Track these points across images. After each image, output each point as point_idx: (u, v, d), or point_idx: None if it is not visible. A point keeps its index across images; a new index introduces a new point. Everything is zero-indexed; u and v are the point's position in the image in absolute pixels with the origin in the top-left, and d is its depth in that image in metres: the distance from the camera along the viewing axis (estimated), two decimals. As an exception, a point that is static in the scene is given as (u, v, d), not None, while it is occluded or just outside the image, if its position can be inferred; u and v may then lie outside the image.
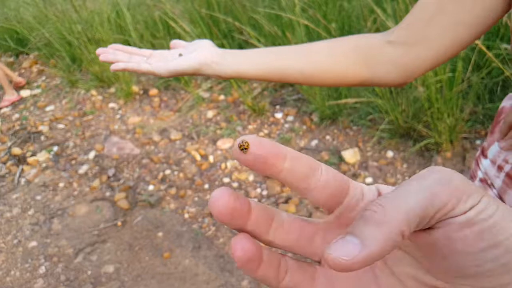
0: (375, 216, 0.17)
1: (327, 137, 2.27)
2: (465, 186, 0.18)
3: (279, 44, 2.62)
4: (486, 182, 0.63)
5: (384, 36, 0.61)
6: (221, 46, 2.73)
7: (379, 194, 0.22)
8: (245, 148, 0.19)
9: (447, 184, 0.18)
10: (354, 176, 2.01)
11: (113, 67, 0.64)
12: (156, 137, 2.44)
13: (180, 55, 0.66)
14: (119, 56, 0.66)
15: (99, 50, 0.67)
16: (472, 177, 0.68)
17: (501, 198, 0.59)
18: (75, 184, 2.20)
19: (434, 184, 0.18)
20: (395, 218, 0.17)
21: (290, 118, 2.45)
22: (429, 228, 0.19)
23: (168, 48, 3.08)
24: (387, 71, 0.60)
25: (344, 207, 0.22)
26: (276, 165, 0.19)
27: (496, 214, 0.18)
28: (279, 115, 2.47)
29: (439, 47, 0.56)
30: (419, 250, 0.20)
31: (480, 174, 0.66)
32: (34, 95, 3.11)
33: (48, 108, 2.91)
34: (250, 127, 2.43)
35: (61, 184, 2.21)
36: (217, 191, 0.19)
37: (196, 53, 0.64)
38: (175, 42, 0.70)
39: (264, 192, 1.99)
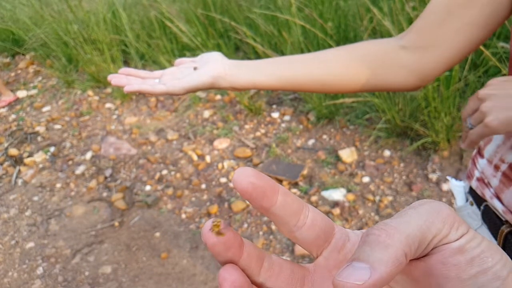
0: (379, 239, 0.18)
1: (324, 136, 2.27)
2: (454, 215, 0.20)
3: (275, 44, 2.62)
4: (483, 181, 0.64)
5: (396, 41, 0.62)
6: (217, 46, 2.73)
7: None
8: (217, 229, 0.20)
9: (439, 212, 0.19)
10: (351, 175, 2.01)
11: (127, 88, 0.63)
12: (152, 137, 2.44)
13: (195, 68, 0.65)
14: (132, 81, 0.65)
15: (110, 76, 0.66)
16: (469, 177, 0.69)
17: (498, 197, 0.60)
18: (72, 185, 2.19)
19: (428, 212, 0.19)
20: (398, 240, 0.18)
21: (286, 117, 2.45)
22: (424, 256, 0.20)
23: (164, 47, 3.04)
24: (402, 76, 0.61)
25: (332, 248, 0.23)
26: (272, 197, 0.20)
27: (483, 243, 0.19)
28: (275, 115, 2.48)
29: (452, 49, 0.57)
30: (413, 283, 0.21)
31: (477, 174, 0.66)
32: (31, 96, 3.10)
33: (44, 109, 2.91)
34: (246, 126, 2.43)
35: (58, 185, 2.21)
36: (210, 221, 0.19)
37: (209, 67, 0.63)
38: (180, 60, 0.69)
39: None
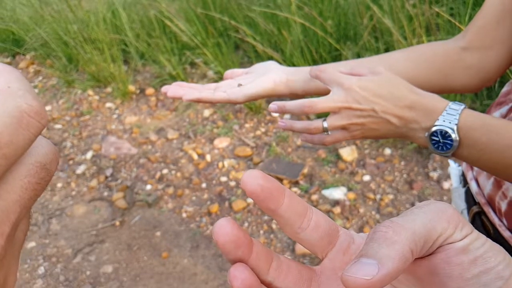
0: (386, 235, 0.18)
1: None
2: (459, 216, 0.20)
3: (275, 42, 2.62)
4: (470, 165, 0.66)
5: (456, 43, 0.63)
6: (217, 44, 2.73)
7: None
8: None
9: (444, 212, 0.20)
10: (352, 174, 2.01)
11: (186, 97, 0.63)
12: (153, 137, 2.44)
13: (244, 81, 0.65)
14: (188, 91, 0.65)
15: (165, 88, 0.66)
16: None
17: (476, 180, 0.63)
18: (73, 184, 2.20)
19: (433, 212, 0.20)
20: (405, 237, 0.18)
21: (286, 116, 2.44)
22: (428, 255, 0.20)
23: (164, 46, 3.03)
24: (468, 77, 0.62)
25: (337, 249, 0.23)
26: (279, 199, 0.21)
27: (486, 244, 0.20)
28: (275, 113, 2.47)
29: None
30: (417, 283, 0.22)
31: None
32: (31, 96, 3.10)
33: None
34: (247, 125, 2.43)
35: (59, 185, 2.21)
36: (221, 220, 0.20)
37: (269, 74, 0.64)
38: (231, 71, 0.69)
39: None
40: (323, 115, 0.56)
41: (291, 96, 0.65)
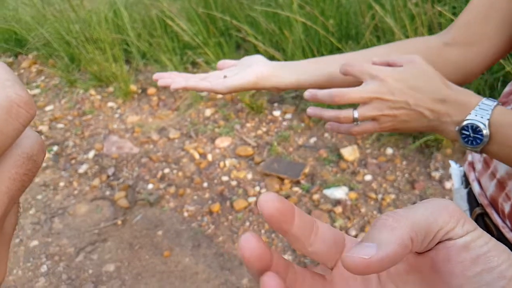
0: (387, 223, 0.19)
1: (326, 134, 2.27)
2: (461, 212, 0.20)
3: (277, 42, 2.62)
4: (471, 166, 0.67)
5: (439, 38, 0.63)
6: (219, 44, 2.73)
7: None
8: None
9: (446, 207, 0.20)
10: (354, 173, 2.01)
11: (173, 86, 0.66)
12: (154, 136, 2.45)
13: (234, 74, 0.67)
14: (176, 79, 0.67)
15: (157, 75, 0.68)
16: (464, 161, 0.72)
17: (478, 181, 0.63)
18: (75, 184, 2.21)
19: (435, 206, 0.20)
20: (405, 225, 0.19)
21: (288, 115, 2.45)
22: (430, 251, 0.21)
23: (165, 45, 3.03)
24: (448, 73, 0.62)
25: None
26: (291, 220, 0.21)
27: (490, 243, 0.20)
28: (277, 113, 2.47)
29: (498, 43, 0.58)
30: (422, 282, 0.22)
31: (469, 158, 0.69)
32: (33, 95, 3.11)
33: (47, 108, 2.92)
34: (248, 125, 2.43)
35: (62, 184, 2.22)
36: (247, 235, 0.21)
37: (253, 68, 0.65)
38: (223, 62, 0.71)
39: (263, 190, 1.99)
40: (345, 107, 0.55)
41: (273, 90, 0.65)
